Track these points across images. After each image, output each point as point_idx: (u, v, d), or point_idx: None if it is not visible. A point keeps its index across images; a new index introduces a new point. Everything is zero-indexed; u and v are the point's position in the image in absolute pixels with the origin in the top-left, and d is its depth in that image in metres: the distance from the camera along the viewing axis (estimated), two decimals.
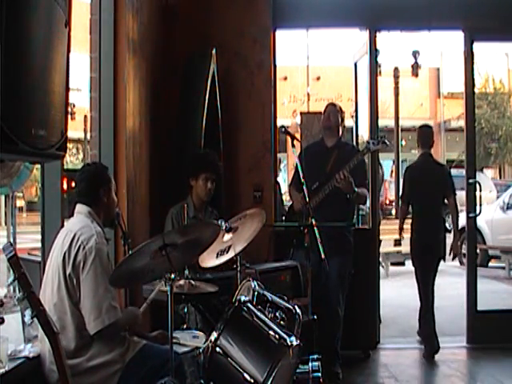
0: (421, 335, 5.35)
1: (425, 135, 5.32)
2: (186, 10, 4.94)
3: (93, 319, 2.54)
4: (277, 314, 2.71)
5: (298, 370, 2.62)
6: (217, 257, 3.11)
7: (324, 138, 4.68)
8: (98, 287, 2.55)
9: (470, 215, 5.37)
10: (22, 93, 1.86)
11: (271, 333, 2.47)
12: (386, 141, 4.36)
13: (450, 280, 8.66)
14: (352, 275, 4.50)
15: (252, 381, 2.34)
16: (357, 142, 6.52)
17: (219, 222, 2.91)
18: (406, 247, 10.91)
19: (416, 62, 16.40)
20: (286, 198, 6.98)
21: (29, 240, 8.17)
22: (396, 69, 15.50)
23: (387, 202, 18.04)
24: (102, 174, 2.88)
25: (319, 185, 4.30)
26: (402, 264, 10.55)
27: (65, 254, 2.59)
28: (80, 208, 2.79)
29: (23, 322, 2.80)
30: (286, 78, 19.95)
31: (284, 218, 5.08)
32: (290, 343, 2.42)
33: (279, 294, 2.92)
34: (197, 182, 3.88)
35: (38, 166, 3.32)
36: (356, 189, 4.26)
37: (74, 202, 2.82)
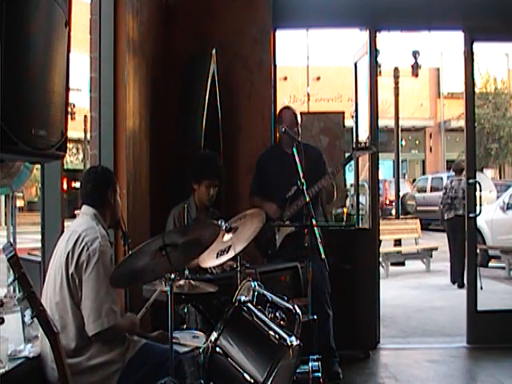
0: None
1: None
2: (186, 10, 4.94)
3: (92, 321, 2.54)
4: (277, 314, 2.70)
5: (298, 370, 2.62)
6: (217, 257, 3.11)
7: (281, 143, 4.41)
8: (100, 289, 2.56)
9: (470, 215, 5.35)
10: (22, 93, 1.86)
11: (271, 333, 2.47)
12: (373, 147, 4.38)
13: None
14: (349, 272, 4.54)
15: (252, 381, 2.33)
16: (357, 143, 6.50)
17: (219, 222, 2.91)
18: (406, 247, 10.98)
19: (416, 62, 16.36)
20: None
21: (29, 240, 8.17)
22: (396, 69, 15.45)
23: (387, 202, 18.02)
24: (108, 175, 2.90)
25: (297, 191, 3.95)
26: (402, 264, 10.56)
27: (68, 253, 2.60)
28: (86, 209, 2.79)
29: (23, 321, 2.80)
30: (286, 78, 19.94)
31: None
32: (290, 343, 2.42)
33: (279, 294, 2.92)
34: (199, 187, 3.86)
35: (38, 166, 3.32)
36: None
37: (80, 203, 2.83)
